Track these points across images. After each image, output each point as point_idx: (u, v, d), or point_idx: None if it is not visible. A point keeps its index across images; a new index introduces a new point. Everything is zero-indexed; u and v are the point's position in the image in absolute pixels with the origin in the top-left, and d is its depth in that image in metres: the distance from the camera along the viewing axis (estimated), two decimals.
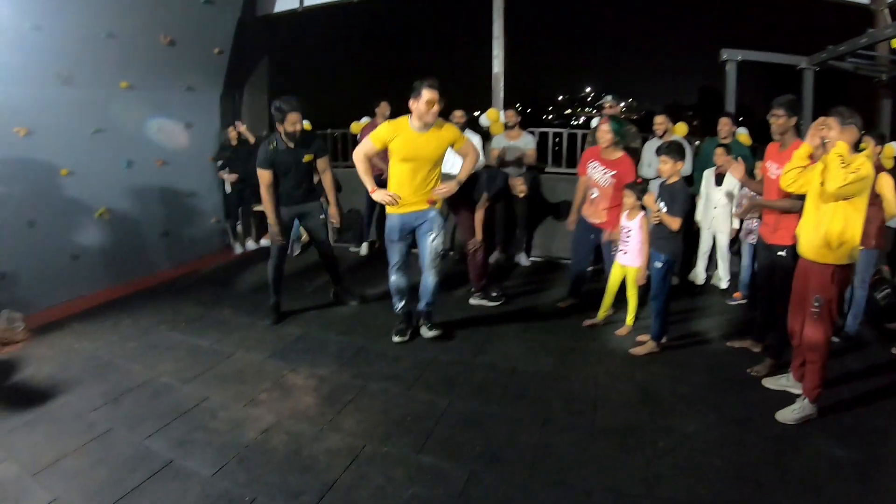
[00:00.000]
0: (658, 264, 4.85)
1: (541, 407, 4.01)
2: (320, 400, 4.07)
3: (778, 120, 4.41)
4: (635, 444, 3.56)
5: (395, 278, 5.09)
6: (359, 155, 4.77)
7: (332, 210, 5.83)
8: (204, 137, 7.64)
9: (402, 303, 5.19)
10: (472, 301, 6.11)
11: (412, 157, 4.73)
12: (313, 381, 4.37)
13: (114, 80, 6.39)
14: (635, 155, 6.53)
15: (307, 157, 5.50)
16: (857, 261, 3.81)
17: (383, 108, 7.85)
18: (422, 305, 5.23)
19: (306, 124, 8.26)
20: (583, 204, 5.81)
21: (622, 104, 6.79)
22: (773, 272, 4.58)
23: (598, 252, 5.95)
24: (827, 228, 3.67)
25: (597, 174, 5.56)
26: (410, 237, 5.01)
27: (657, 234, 4.86)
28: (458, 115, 7.32)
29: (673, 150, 4.82)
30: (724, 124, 6.56)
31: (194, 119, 7.49)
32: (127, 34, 6.25)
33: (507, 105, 7.76)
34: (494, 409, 3.96)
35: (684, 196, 4.77)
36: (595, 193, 5.61)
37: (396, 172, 4.82)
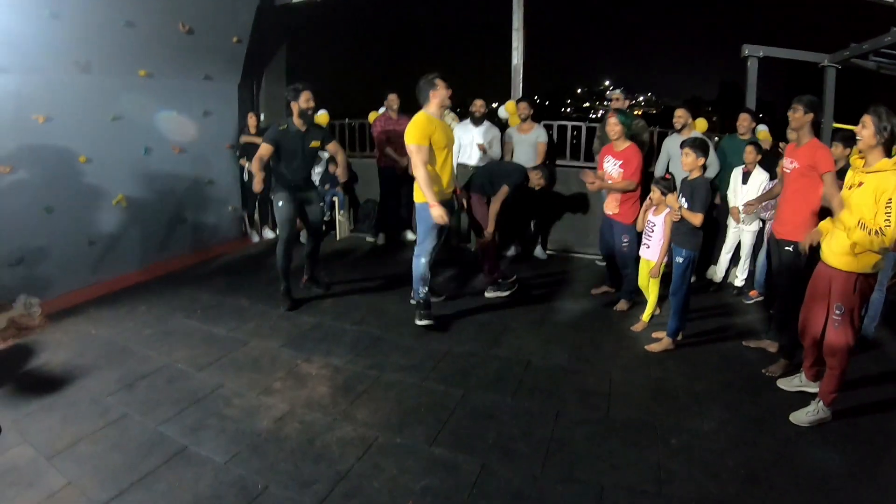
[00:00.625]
0: (679, 259, 4.83)
1: (555, 401, 4.01)
2: (334, 389, 4.09)
3: (795, 114, 4.42)
4: (648, 442, 3.55)
5: (425, 264, 5.21)
6: (419, 168, 4.90)
7: (340, 171, 6.02)
8: (222, 126, 7.64)
9: (427, 288, 5.29)
10: (487, 294, 6.10)
11: (446, 144, 5.13)
12: (328, 370, 4.38)
13: (132, 68, 6.39)
14: (644, 149, 6.51)
15: (314, 143, 5.71)
16: (881, 269, 3.74)
17: (392, 99, 7.86)
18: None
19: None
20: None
21: (632, 98, 6.71)
22: (782, 269, 4.58)
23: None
24: (855, 236, 3.59)
25: (609, 167, 5.79)
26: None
27: (679, 230, 4.83)
28: (479, 104, 7.31)
29: (697, 144, 4.81)
30: (743, 120, 6.51)
31: (212, 108, 7.49)
32: (145, 23, 6.23)
33: (525, 97, 7.69)
34: (508, 402, 3.96)
35: (705, 192, 4.73)
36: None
37: (438, 162, 5.11)
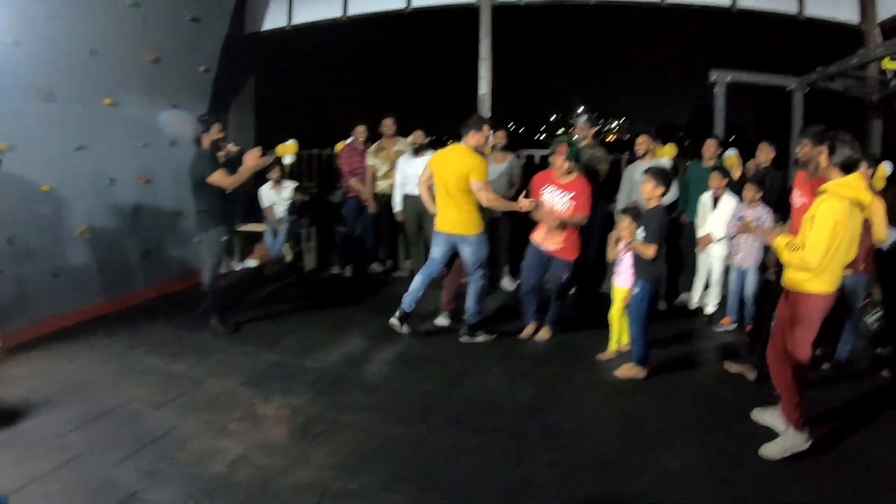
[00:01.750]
0: (636, 289, 4.83)
1: (519, 441, 3.93)
2: (291, 431, 4.00)
3: (803, 149, 4.49)
4: (616, 482, 3.48)
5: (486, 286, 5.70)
6: (492, 200, 5.39)
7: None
8: (188, 156, 7.55)
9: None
10: (438, 322, 6.12)
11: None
12: (286, 410, 4.29)
13: (98, 96, 6.31)
14: (600, 179, 6.59)
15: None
16: (827, 294, 3.70)
17: (359, 131, 7.87)
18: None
19: (293, 144, 8.25)
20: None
21: (595, 125, 6.58)
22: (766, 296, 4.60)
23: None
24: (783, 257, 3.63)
25: (554, 199, 5.58)
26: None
27: (638, 260, 4.83)
28: (419, 135, 7.42)
29: (658, 173, 4.80)
30: (709, 147, 6.57)
31: (179, 137, 7.40)
32: (111, 51, 6.18)
33: (497, 126, 7.69)
34: (470, 443, 3.88)
35: (660, 222, 4.74)
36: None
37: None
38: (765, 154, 6.27)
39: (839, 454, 3.75)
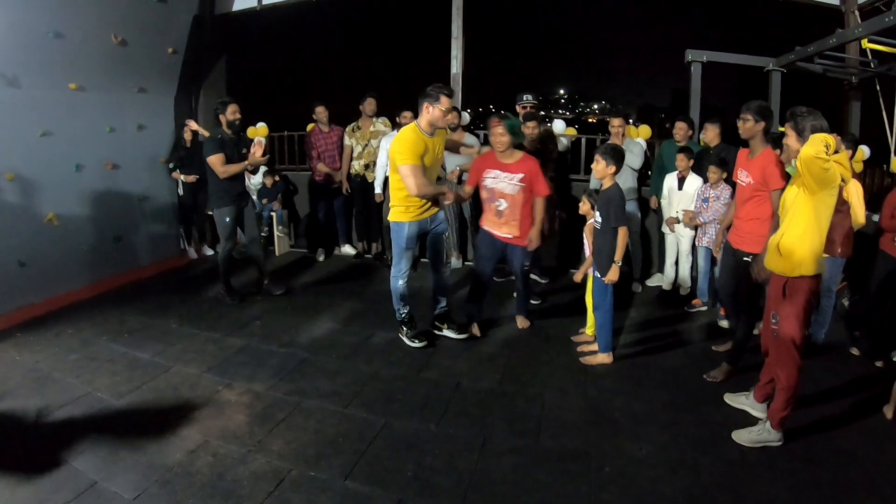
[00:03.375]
0: (598, 274, 4.78)
1: (481, 427, 3.90)
2: (252, 418, 3.97)
3: (745, 124, 4.34)
4: (580, 470, 3.45)
5: (402, 284, 5.13)
6: (421, 187, 4.72)
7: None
8: (157, 140, 7.46)
9: (408, 308, 5.28)
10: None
11: (433, 162, 4.97)
12: (247, 397, 4.27)
13: (62, 81, 6.20)
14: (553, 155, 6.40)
15: (245, 150, 6.23)
16: (816, 273, 3.66)
17: (320, 112, 7.78)
18: (443, 305, 5.46)
19: (263, 126, 8.16)
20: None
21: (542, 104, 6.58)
22: (738, 278, 4.53)
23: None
24: (781, 234, 3.59)
25: (501, 184, 5.10)
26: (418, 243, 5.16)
27: (599, 250, 4.77)
28: (407, 115, 7.17)
29: (608, 151, 4.62)
30: (679, 129, 6.52)
31: (147, 121, 7.30)
32: (76, 34, 6.07)
33: (467, 106, 7.62)
34: (432, 430, 3.86)
35: (620, 201, 4.64)
36: (503, 205, 5.13)
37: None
38: (711, 133, 6.27)
39: (813, 443, 3.73)
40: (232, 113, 6.04)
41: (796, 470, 3.45)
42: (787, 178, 4.11)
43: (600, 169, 4.66)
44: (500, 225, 5.20)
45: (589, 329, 5.31)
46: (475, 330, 5.45)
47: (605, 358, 4.88)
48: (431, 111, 4.73)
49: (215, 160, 5.93)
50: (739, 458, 3.57)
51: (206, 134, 7.47)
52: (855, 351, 5.15)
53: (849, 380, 4.67)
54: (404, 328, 5.27)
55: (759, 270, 3.96)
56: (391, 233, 5.09)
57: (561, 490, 3.27)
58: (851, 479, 3.38)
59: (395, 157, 4.74)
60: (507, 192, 5.08)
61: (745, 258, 4.39)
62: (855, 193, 4.50)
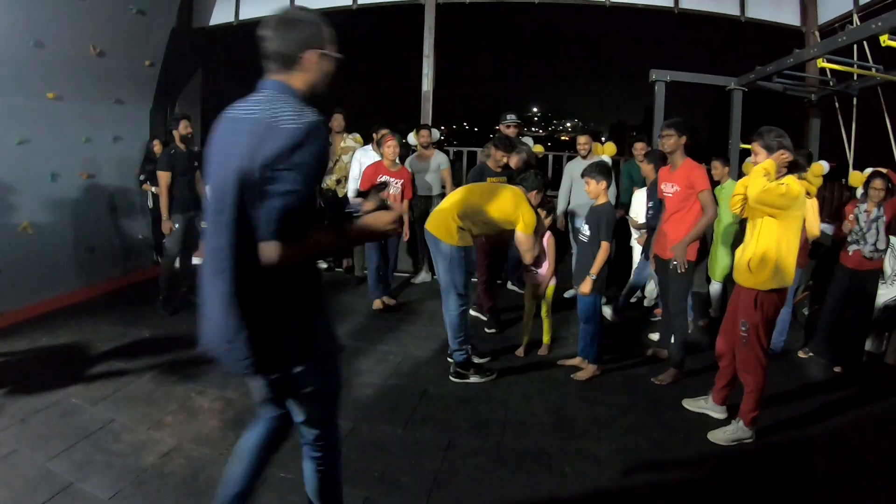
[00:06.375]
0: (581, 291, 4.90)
1: (447, 431, 4.05)
2: (224, 423, 4.08)
3: (668, 139, 4.68)
4: (541, 471, 3.60)
5: (465, 314, 4.91)
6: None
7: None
8: (133, 151, 7.52)
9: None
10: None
11: None
12: (220, 403, 4.37)
13: (40, 90, 6.26)
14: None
15: (197, 162, 6.45)
16: (786, 286, 3.90)
17: None
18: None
19: None
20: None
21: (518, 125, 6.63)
22: (672, 285, 4.83)
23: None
24: (750, 251, 3.79)
25: (390, 188, 6.40)
26: None
27: (583, 259, 4.91)
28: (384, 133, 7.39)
29: (594, 170, 4.81)
30: (638, 149, 6.78)
31: (123, 133, 7.39)
32: (55, 43, 6.15)
33: (427, 126, 7.74)
34: (399, 434, 4.00)
35: (608, 219, 4.79)
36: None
37: None
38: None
39: (775, 442, 3.93)
40: (184, 128, 6.33)
41: (758, 468, 3.64)
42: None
43: (592, 188, 4.80)
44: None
45: (546, 338, 5.50)
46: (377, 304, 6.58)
47: (594, 370, 4.97)
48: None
49: (162, 176, 6.24)
50: (698, 458, 3.76)
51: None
52: (802, 354, 5.51)
53: (805, 383, 4.97)
54: (470, 370, 4.92)
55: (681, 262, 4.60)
56: (455, 261, 4.71)
57: (522, 489, 3.43)
58: (814, 477, 3.61)
59: (526, 215, 4.71)
60: (393, 193, 6.43)
61: (674, 262, 4.68)
62: (811, 208, 4.77)
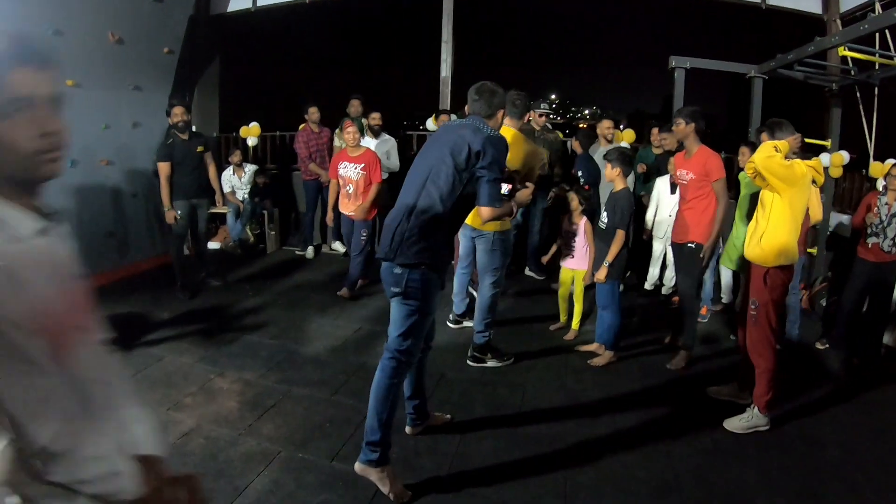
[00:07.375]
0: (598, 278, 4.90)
1: (464, 414, 4.06)
2: (243, 404, 4.12)
3: (678, 127, 4.74)
4: (556, 455, 3.61)
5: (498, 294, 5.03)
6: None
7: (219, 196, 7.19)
8: (151, 138, 7.54)
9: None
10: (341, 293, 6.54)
11: None
12: (238, 385, 4.41)
13: (60, 77, 6.26)
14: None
15: (199, 148, 6.47)
16: (793, 262, 3.91)
17: (312, 112, 7.92)
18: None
19: (255, 126, 8.26)
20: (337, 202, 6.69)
21: (548, 112, 6.62)
22: (684, 268, 4.86)
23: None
24: (762, 227, 3.83)
25: (349, 172, 6.41)
26: None
27: (601, 246, 4.92)
28: (375, 116, 7.62)
29: (616, 155, 4.83)
30: (655, 135, 6.74)
31: (142, 119, 7.42)
32: (75, 31, 6.17)
33: (447, 111, 7.74)
34: None
35: (627, 204, 4.80)
36: (350, 189, 6.41)
37: None
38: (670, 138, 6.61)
39: (786, 431, 3.91)
40: (175, 116, 6.25)
41: (767, 456, 3.63)
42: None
43: (608, 173, 4.87)
44: (349, 205, 6.49)
45: (575, 324, 5.49)
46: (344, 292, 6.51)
47: (610, 356, 4.97)
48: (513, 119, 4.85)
49: (160, 167, 6.26)
50: (712, 447, 3.74)
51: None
52: (819, 345, 5.46)
53: (823, 374, 4.93)
54: (487, 354, 4.96)
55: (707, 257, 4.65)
56: (499, 244, 4.79)
57: (537, 472, 3.43)
58: (823, 467, 3.56)
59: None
60: (353, 178, 6.40)
61: (689, 244, 4.70)
62: (814, 194, 4.78)
